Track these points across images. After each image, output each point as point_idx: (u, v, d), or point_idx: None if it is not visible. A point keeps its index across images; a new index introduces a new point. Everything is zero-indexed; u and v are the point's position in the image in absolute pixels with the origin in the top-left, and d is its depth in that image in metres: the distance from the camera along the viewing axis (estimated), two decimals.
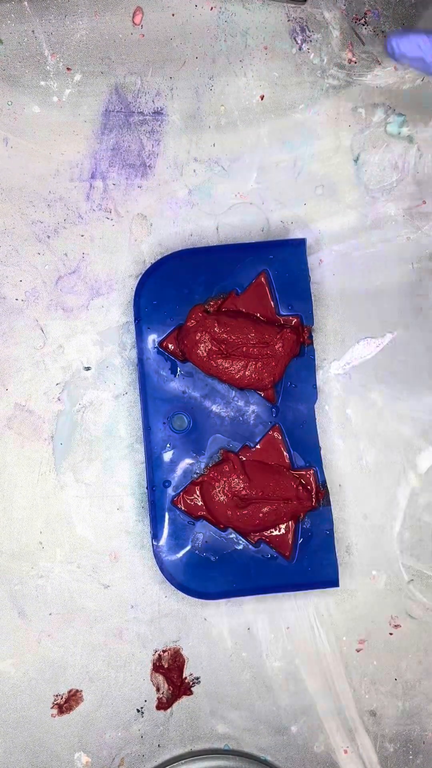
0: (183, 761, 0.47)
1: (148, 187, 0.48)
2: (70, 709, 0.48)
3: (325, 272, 0.49)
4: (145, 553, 0.48)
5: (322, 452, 0.47)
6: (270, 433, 0.46)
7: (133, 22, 0.48)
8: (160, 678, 0.48)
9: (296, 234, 0.48)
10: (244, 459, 0.46)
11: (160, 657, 0.48)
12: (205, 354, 0.45)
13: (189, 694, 0.48)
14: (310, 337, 0.47)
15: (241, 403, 0.46)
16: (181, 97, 0.48)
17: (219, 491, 0.45)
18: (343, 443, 0.48)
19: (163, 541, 0.46)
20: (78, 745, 0.48)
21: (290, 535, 0.46)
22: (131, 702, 0.48)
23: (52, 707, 0.48)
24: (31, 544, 0.48)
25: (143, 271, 0.47)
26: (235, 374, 0.46)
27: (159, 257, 0.48)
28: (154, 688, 0.48)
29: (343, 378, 0.49)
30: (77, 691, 0.48)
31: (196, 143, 0.48)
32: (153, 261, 0.48)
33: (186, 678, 0.48)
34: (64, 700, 0.48)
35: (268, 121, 0.48)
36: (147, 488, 0.47)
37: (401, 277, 0.49)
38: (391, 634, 0.48)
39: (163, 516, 0.46)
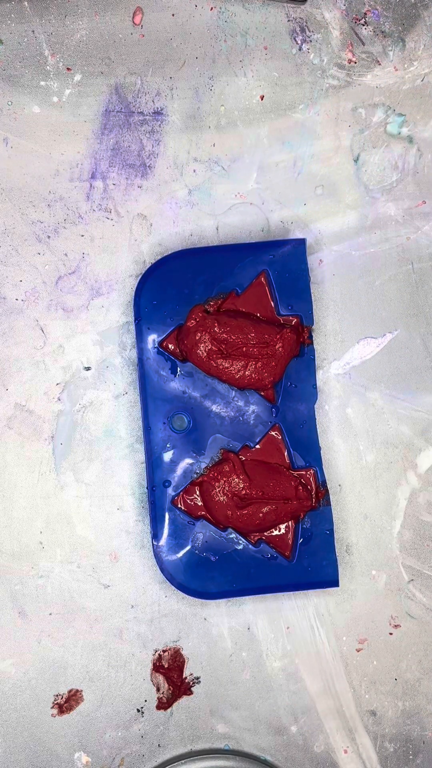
0: (183, 761, 0.47)
1: (148, 187, 0.48)
2: (70, 709, 0.48)
3: (325, 272, 0.49)
4: (145, 553, 0.48)
5: (322, 452, 0.47)
6: (270, 433, 0.46)
7: (133, 22, 0.48)
8: (160, 678, 0.48)
9: (296, 234, 0.48)
10: (244, 459, 0.46)
11: (160, 657, 0.48)
12: (205, 354, 0.45)
13: (189, 694, 0.48)
14: (310, 337, 0.47)
15: (241, 403, 0.46)
16: (181, 97, 0.48)
17: (219, 491, 0.45)
18: (343, 443, 0.48)
19: (163, 541, 0.46)
20: (78, 745, 0.48)
21: (290, 535, 0.46)
22: (131, 702, 0.48)
23: (52, 707, 0.48)
24: (32, 544, 0.48)
25: (143, 271, 0.47)
26: (235, 374, 0.46)
27: (159, 257, 0.48)
28: (154, 688, 0.48)
29: (343, 378, 0.49)
30: (77, 691, 0.48)
31: (196, 143, 0.48)
32: (153, 261, 0.48)
33: (186, 678, 0.48)
34: (64, 700, 0.48)
35: (268, 121, 0.48)
36: (147, 488, 0.47)
37: (401, 277, 0.49)
38: (391, 634, 0.48)
39: (163, 516, 0.46)
